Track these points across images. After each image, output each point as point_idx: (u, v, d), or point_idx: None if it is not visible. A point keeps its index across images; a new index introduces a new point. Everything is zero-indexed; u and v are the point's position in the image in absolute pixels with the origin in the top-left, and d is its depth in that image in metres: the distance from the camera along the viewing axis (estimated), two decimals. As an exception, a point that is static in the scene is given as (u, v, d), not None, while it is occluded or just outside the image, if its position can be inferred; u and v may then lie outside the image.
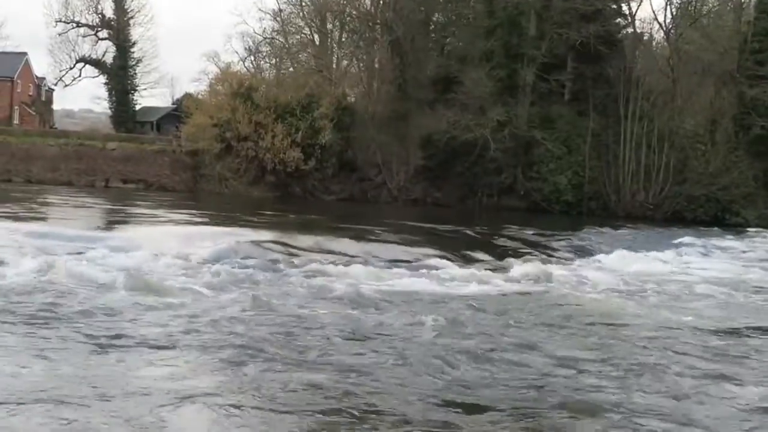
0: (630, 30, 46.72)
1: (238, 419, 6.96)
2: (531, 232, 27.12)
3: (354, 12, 49.28)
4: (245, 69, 52.41)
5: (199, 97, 50.73)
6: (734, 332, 12.23)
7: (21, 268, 13.33)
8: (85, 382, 7.65)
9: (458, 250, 20.47)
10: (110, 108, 63.17)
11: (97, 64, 62.95)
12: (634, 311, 13.56)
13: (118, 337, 9.52)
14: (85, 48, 62.96)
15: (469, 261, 18.80)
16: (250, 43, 54.63)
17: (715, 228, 36.03)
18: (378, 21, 47.87)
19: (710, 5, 48.97)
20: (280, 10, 51.64)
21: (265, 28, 54.42)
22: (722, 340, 11.48)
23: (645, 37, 48.14)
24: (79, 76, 63.46)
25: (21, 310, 10.51)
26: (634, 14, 46.46)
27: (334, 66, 49.72)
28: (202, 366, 8.52)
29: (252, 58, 55.10)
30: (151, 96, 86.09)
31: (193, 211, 29.67)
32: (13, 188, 37.33)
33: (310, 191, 44.40)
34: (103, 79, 62.77)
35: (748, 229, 37.01)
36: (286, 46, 52.18)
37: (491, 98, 42.19)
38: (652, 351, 10.32)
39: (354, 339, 10.12)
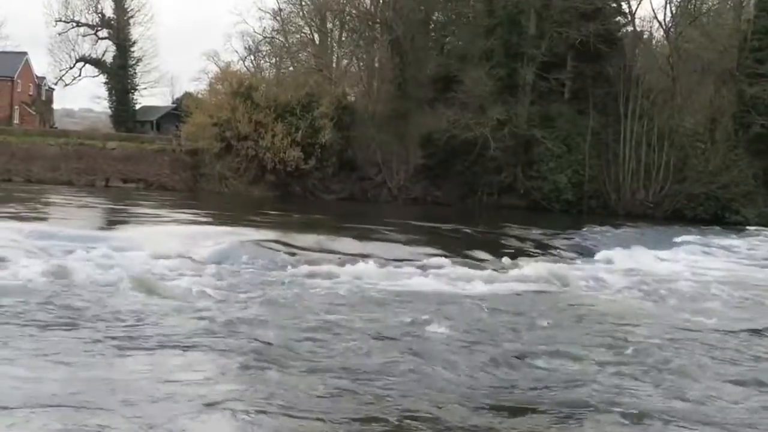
0: (630, 28, 46.55)
1: (263, 429, 6.68)
2: (533, 231, 27.02)
3: (354, 11, 49.12)
4: (245, 68, 52.19)
5: (199, 96, 50.41)
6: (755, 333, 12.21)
7: (27, 269, 13.21)
8: (105, 387, 7.50)
9: (462, 249, 20.39)
10: (110, 107, 62.88)
11: (97, 63, 62.70)
12: (653, 311, 13.47)
13: (133, 339, 9.39)
14: (85, 47, 62.71)
15: (474, 260, 18.69)
16: (250, 43, 54.55)
17: (716, 226, 35.97)
18: (378, 20, 47.72)
19: (710, 3, 48.84)
20: (280, 10, 51.48)
21: (264, 28, 54.16)
22: (747, 341, 11.46)
23: (645, 36, 47.99)
24: (79, 75, 63.20)
25: (31, 313, 10.37)
26: (634, 13, 46.27)
27: (334, 65, 49.56)
28: (223, 370, 8.37)
29: (252, 57, 54.98)
30: (151, 95, 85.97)
31: (195, 211, 29.48)
32: (13, 188, 37.10)
33: (310, 190, 44.30)
34: (103, 78, 62.48)
35: (748, 227, 36.96)
36: (286, 45, 52.03)
37: (491, 97, 42.07)
38: (680, 353, 10.25)
39: (375, 340, 9.95)
